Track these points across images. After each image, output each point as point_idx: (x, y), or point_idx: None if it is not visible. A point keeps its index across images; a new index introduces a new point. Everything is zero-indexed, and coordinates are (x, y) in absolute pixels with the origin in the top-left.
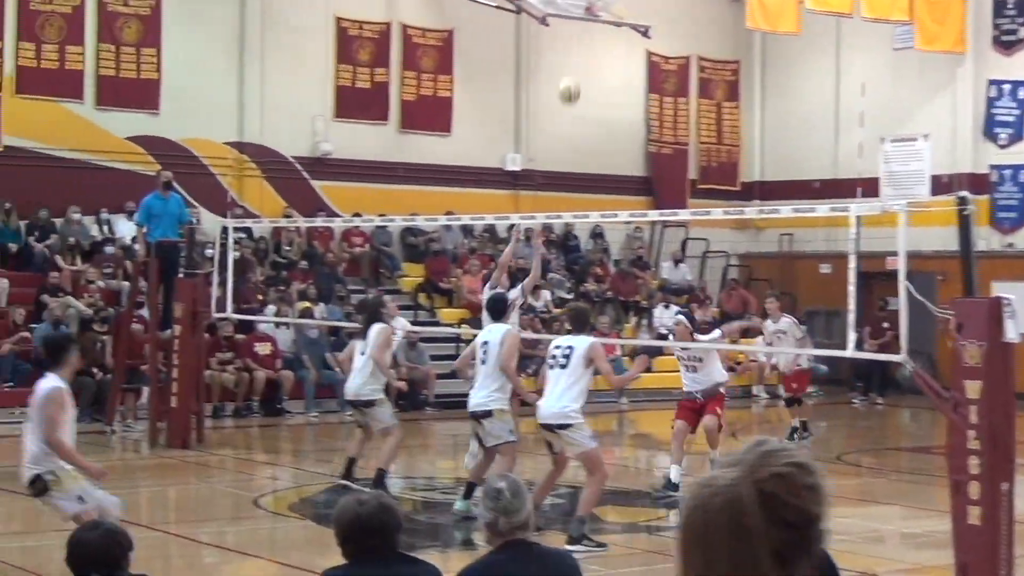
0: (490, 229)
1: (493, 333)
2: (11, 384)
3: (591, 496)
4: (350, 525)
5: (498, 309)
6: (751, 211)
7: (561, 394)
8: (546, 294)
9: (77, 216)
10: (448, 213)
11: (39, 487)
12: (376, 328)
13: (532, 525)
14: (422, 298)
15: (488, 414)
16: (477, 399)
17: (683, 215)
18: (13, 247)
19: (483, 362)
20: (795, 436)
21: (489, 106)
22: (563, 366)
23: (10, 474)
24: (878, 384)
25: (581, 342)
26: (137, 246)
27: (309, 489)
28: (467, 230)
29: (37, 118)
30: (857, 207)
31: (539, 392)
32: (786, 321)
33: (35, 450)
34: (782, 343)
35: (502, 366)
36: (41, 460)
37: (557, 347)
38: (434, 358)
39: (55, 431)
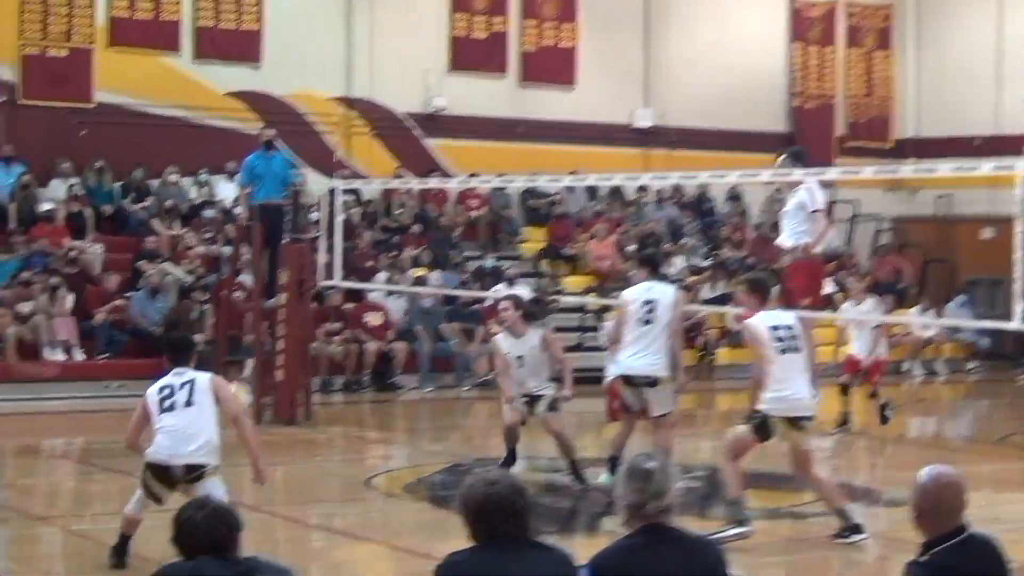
0: (617, 190)
1: (659, 291)
2: (107, 355)
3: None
4: (479, 507)
5: (656, 263)
6: (905, 170)
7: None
8: (679, 260)
9: (175, 177)
10: (572, 173)
11: (197, 475)
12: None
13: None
14: (544, 265)
15: (655, 382)
16: (644, 364)
17: (830, 175)
18: (107, 209)
19: (646, 323)
20: (846, 423)
21: (616, 57)
22: (798, 349)
23: (107, 450)
24: None
25: (794, 318)
26: (239, 209)
27: (425, 469)
28: (593, 191)
29: (131, 72)
30: None
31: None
32: (870, 303)
33: (215, 441)
34: (862, 330)
35: (675, 330)
36: (216, 451)
37: (779, 327)
38: (556, 330)
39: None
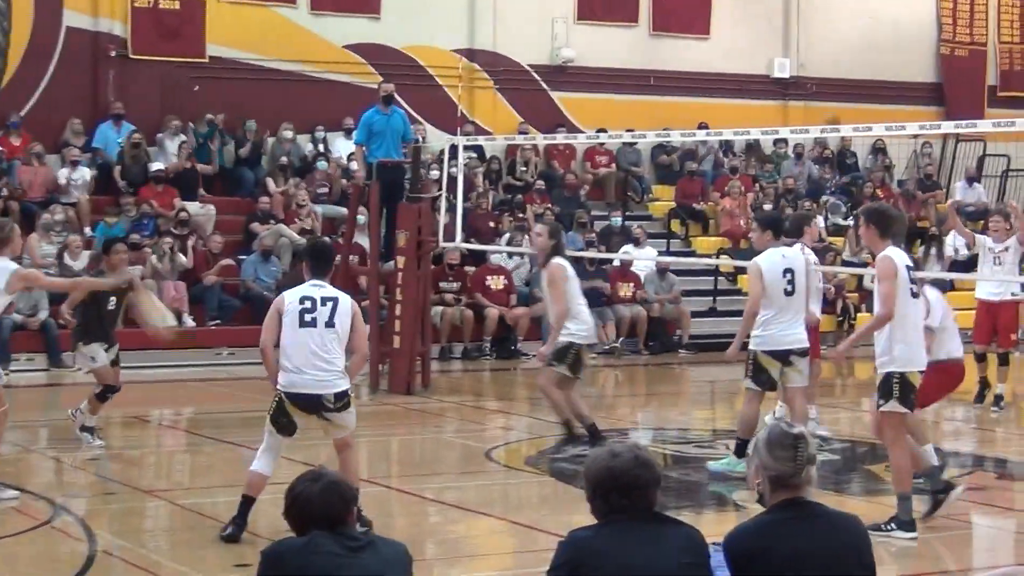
0: (754, 145)
1: (792, 257)
2: (218, 321)
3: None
4: (602, 480)
5: (778, 225)
6: None
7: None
8: (819, 221)
9: (289, 134)
10: (702, 127)
11: (345, 402)
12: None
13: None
14: (674, 225)
15: (805, 352)
16: (795, 335)
17: (981, 127)
18: (219, 168)
19: (789, 293)
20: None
21: (754, 3)
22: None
23: (216, 420)
24: None
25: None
26: (355, 166)
27: (546, 441)
28: (728, 146)
29: (245, 25)
30: None
31: None
32: (1012, 241)
33: (342, 364)
34: (1001, 268)
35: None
36: (345, 375)
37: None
38: (687, 293)
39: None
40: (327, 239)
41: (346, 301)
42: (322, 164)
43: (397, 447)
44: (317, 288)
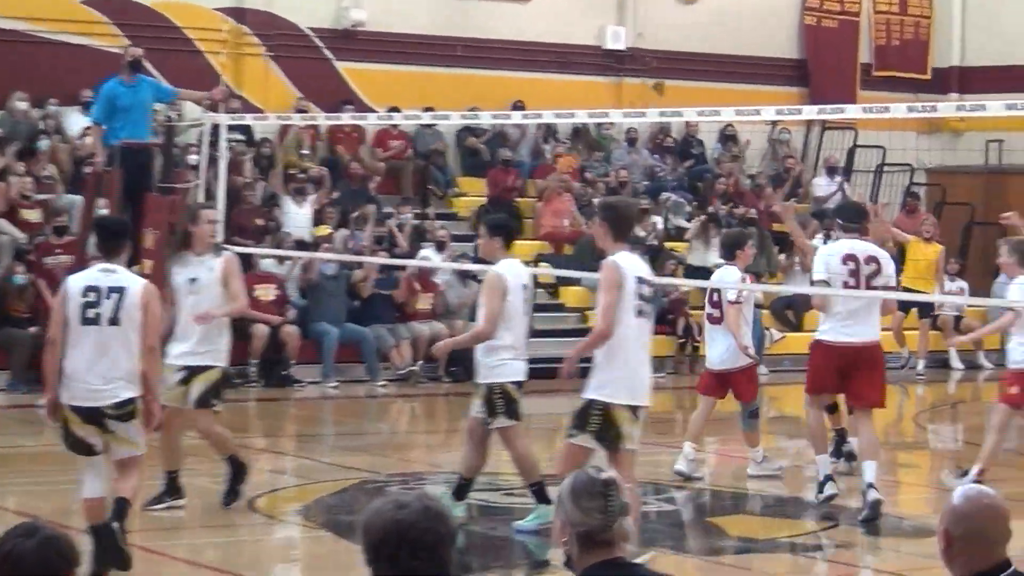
0: (583, 130)
1: (515, 272)
2: None
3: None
4: (387, 536)
5: (508, 231)
6: (946, 107)
7: None
8: (656, 221)
9: (24, 105)
10: (518, 106)
11: (128, 411)
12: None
13: None
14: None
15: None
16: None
17: (851, 112)
18: None
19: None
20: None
21: None
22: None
23: None
24: None
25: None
26: (92, 144)
27: (324, 487)
28: (550, 131)
29: None
30: None
31: None
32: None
33: (129, 368)
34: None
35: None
36: (133, 381)
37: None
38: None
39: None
40: (119, 217)
41: (135, 289)
42: (44, 143)
43: (136, 496)
44: (106, 274)
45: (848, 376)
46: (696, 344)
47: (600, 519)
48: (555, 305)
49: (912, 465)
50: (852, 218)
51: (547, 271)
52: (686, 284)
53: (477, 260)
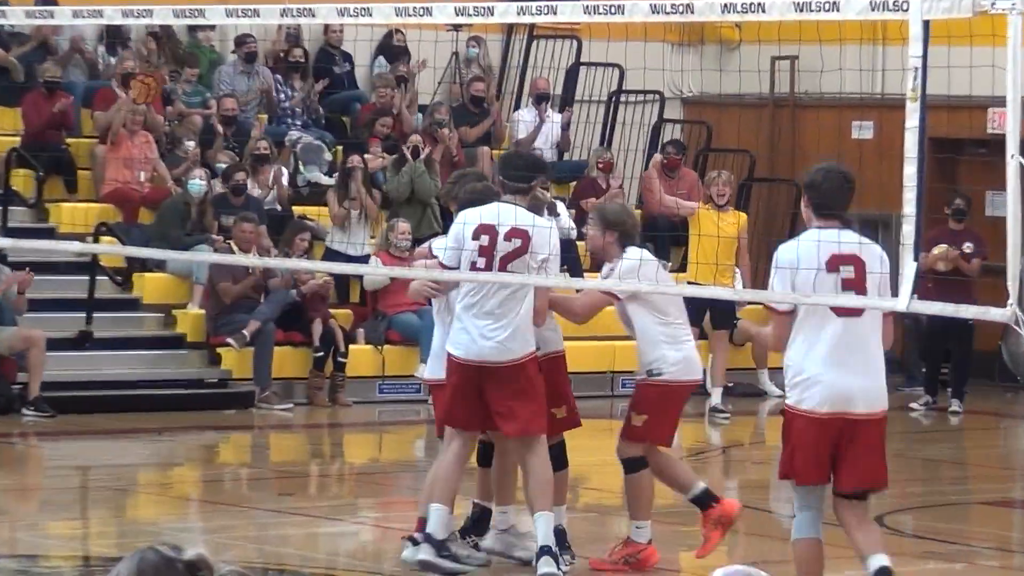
0: (162, 36)
1: None
2: None
3: None
4: None
5: None
6: (710, 7)
7: None
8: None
9: None
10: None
11: None
12: None
13: None
14: (15, 177)
15: None
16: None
17: (569, 13)
18: None
19: None
20: None
21: None
22: None
23: None
24: (957, 374)
25: None
26: None
27: None
28: (116, 35)
29: None
30: None
31: None
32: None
33: None
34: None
35: None
36: None
37: None
38: (40, 307)
39: None
40: None
41: None
42: None
43: None
44: None
45: None
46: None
47: None
48: (126, 301)
49: None
50: (519, 176)
51: (112, 249)
52: (321, 268)
53: None
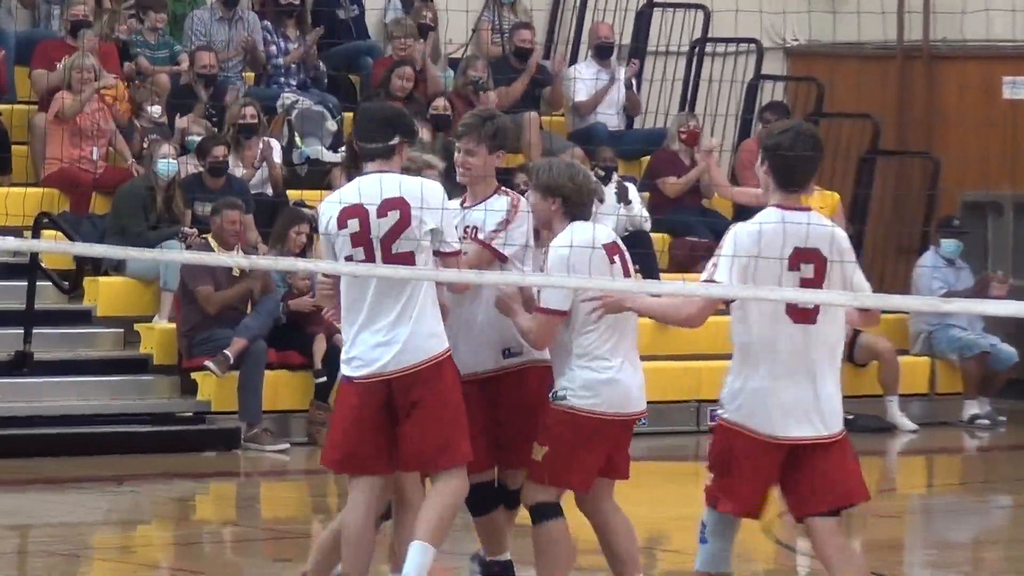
0: None
1: None
2: None
3: None
4: None
5: None
6: None
7: None
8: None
9: None
10: None
11: None
12: None
13: None
14: None
15: None
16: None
17: None
18: None
19: None
20: None
21: None
22: None
23: None
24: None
25: None
26: None
27: None
28: None
29: None
30: None
31: None
32: None
33: None
34: None
35: None
36: None
37: None
38: None
39: None
40: None
41: None
42: None
43: None
44: None
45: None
46: None
47: None
48: (75, 313)
49: None
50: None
51: (56, 247)
52: (324, 269)
53: None
